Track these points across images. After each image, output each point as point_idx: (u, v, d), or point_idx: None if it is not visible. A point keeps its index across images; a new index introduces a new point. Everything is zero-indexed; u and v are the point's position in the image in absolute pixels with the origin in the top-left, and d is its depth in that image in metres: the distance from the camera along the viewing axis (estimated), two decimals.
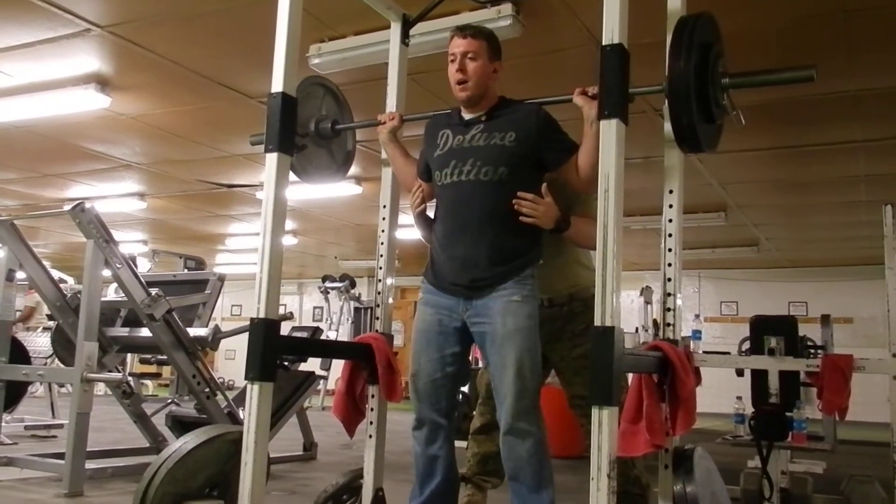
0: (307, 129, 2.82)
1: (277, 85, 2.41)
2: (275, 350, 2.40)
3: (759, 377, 4.32)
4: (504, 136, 2.52)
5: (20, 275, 4.32)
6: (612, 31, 2.00)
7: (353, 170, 7.82)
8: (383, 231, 2.91)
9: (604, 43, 2.01)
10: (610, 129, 1.98)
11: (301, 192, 7.87)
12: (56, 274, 4.75)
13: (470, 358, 2.94)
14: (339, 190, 8.00)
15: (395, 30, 3.03)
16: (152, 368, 11.64)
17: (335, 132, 2.90)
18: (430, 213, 2.80)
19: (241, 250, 12.83)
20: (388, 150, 2.87)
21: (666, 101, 2.34)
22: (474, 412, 3.22)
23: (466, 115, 2.63)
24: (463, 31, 2.58)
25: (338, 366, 2.88)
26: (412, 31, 3.07)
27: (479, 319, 2.50)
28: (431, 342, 2.60)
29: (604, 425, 1.86)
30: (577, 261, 3.04)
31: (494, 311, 2.47)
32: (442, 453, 2.59)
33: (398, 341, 14.31)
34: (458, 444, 2.71)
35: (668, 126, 2.36)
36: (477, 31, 2.59)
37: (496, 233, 2.50)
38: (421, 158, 2.78)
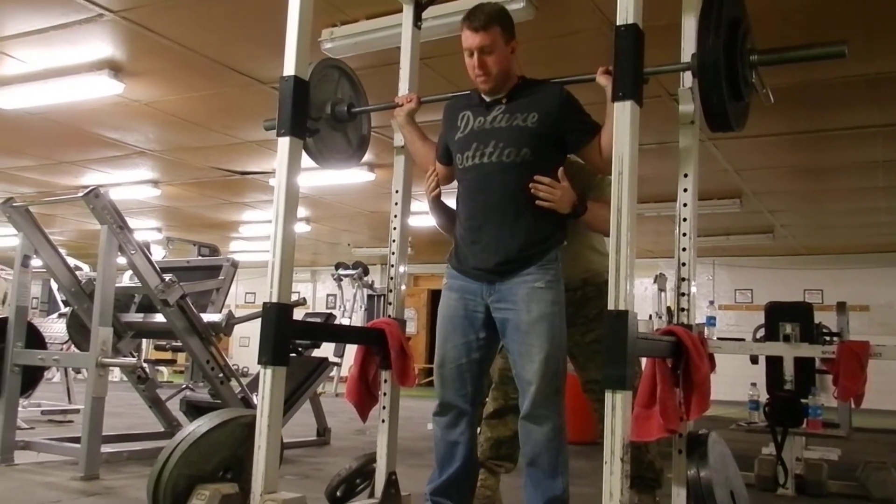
0: (323, 112, 2.81)
1: (289, 68, 2.41)
2: (287, 334, 2.41)
3: (773, 364, 4.30)
4: (526, 116, 2.49)
5: (37, 262, 4.35)
6: (626, 11, 1.98)
7: (367, 156, 7.80)
8: (396, 217, 2.90)
9: (618, 23, 1.99)
10: (624, 111, 1.96)
11: (314, 179, 7.87)
12: (71, 262, 4.77)
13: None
14: (351, 177, 7.99)
15: (408, 13, 3.01)
16: (167, 355, 11.73)
17: (351, 115, 2.89)
18: (445, 200, 2.79)
19: (254, 238, 12.87)
20: (404, 133, 2.85)
21: (683, 83, 2.32)
22: (487, 398, 3.21)
23: (487, 97, 2.60)
24: (473, 22, 2.48)
25: (351, 353, 2.88)
26: (424, 15, 3.05)
27: (503, 305, 2.48)
28: (457, 327, 2.58)
29: (617, 409, 1.86)
30: (591, 246, 3.02)
31: (519, 297, 2.45)
32: (463, 439, 2.57)
33: (411, 328, 14.33)
34: None
35: (683, 108, 2.34)
36: (487, 19, 2.48)
37: (519, 215, 2.48)
38: (440, 142, 2.75)
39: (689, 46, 2.29)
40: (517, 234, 2.47)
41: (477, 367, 2.58)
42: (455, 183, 2.69)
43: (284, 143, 2.42)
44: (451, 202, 2.75)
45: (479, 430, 3.14)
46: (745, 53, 2.20)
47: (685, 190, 2.34)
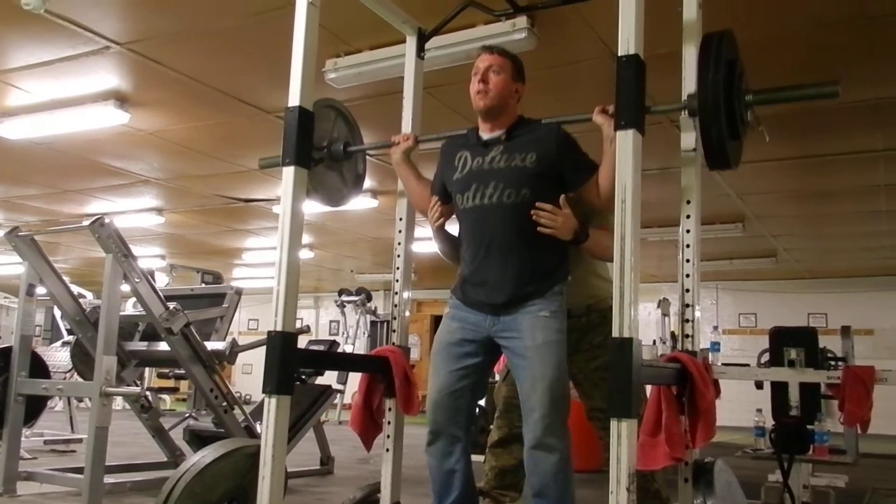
0: (319, 150, 2.81)
1: (294, 99, 2.43)
2: (292, 363, 2.40)
3: (779, 389, 4.28)
4: (525, 156, 2.52)
5: (40, 290, 4.35)
6: (627, 41, 2.00)
7: (369, 183, 7.90)
8: (399, 244, 2.91)
9: (619, 53, 2.01)
10: (626, 140, 1.97)
11: (317, 205, 7.89)
12: (75, 289, 4.78)
13: (494, 370, 2.93)
14: (355, 204, 7.96)
15: (411, 43, 3.04)
16: (170, 383, 11.70)
17: (347, 154, 2.89)
18: (448, 227, 2.80)
19: (257, 264, 12.89)
20: (400, 172, 2.85)
21: (685, 116, 2.34)
22: (491, 426, 3.20)
23: (485, 135, 2.62)
24: (490, 48, 2.62)
25: (354, 380, 2.88)
26: (428, 45, 3.08)
27: (508, 334, 2.49)
28: (452, 354, 2.59)
29: (623, 438, 1.85)
30: (595, 272, 3.03)
31: (523, 325, 2.46)
32: (459, 467, 2.56)
33: (415, 355, 14.29)
34: (476, 458, 2.70)
35: (685, 138, 2.36)
36: (503, 50, 2.64)
37: (522, 254, 2.50)
38: (436, 179, 2.77)
39: (690, 76, 2.32)
40: (521, 272, 2.49)
41: (469, 393, 2.58)
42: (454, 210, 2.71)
43: (289, 172, 2.44)
44: (451, 228, 2.77)
45: (484, 458, 3.13)
46: (741, 93, 2.25)
47: (688, 216, 2.36)
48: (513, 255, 2.50)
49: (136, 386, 4.81)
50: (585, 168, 2.52)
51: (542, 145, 2.53)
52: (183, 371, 4.41)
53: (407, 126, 2.97)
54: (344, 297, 11.71)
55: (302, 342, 2.54)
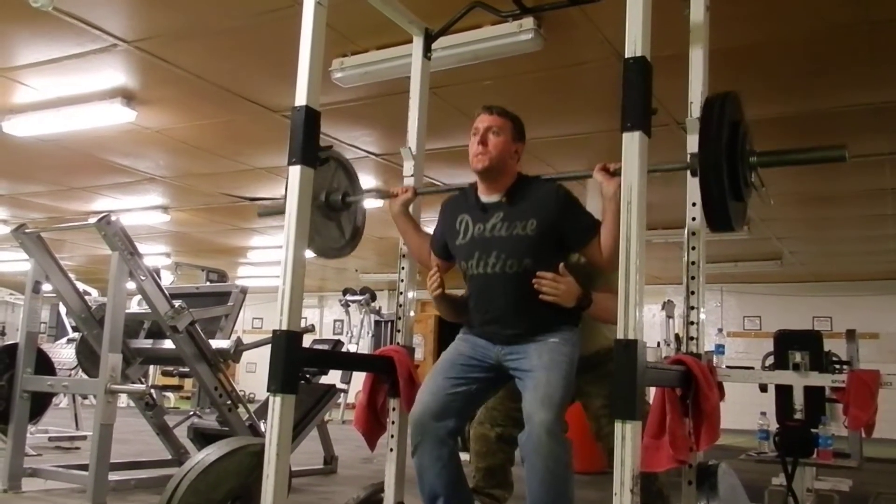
0: (317, 200, 2.79)
1: (301, 99, 2.43)
2: (297, 362, 2.41)
3: (783, 393, 4.27)
4: (525, 224, 2.50)
5: (46, 287, 4.37)
6: (634, 43, 2.00)
7: (375, 183, 7.89)
8: (405, 244, 2.91)
9: (626, 56, 2.01)
10: (633, 142, 1.98)
11: None
12: (81, 286, 4.79)
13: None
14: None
15: (418, 44, 3.05)
16: (174, 381, 11.72)
17: (345, 205, 2.89)
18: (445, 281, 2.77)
19: (262, 263, 12.90)
20: (399, 224, 2.84)
21: (691, 113, 2.35)
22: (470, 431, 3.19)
23: (484, 198, 2.60)
24: (490, 108, 2.60)
25: (358, 379, 2.88)
26: (434, 45, 3.09)
27: (515, 356, 2.50)
28: (455, 364, 2.60)
29: (627, 440, 1.85)
30: (600, 324, 3.01)
31: (531, 348, 2.47)
32: (451, 465, 2.52)
33: (419, 354, 14.29)
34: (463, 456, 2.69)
35: (690, 140, 2.37)
36: (503, 110, 2.61)
37: (530, 318, 2.50)
38: (437, 237, 2.76)
39: (696, 79, 2.32)
40: (530, 330, 2.50)
41: (462, 399, 2.55)
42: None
43: (295, 171, 2.44)
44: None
45: (469, 458, 3.14)
46: (745, 154, 2.22)
47: (693, 218, 2.36)
48: (519, 321, 2.51)
49: (141, 383, 4.81)
50: (587, 229, 2.49)
51: (542, 210, 2.50)
52: (187, 369, 4.42)
53: (413, 125, 2.99)
54: (348, 297, 11.71)
55: (306, 341, 2.55)
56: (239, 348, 4.34)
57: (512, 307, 2.51)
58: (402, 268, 2.92)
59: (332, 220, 2.91)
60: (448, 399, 2.53)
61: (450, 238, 2.67)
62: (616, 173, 2.30)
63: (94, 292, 7.34)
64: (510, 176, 2.59)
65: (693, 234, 2.41)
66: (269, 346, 2.37)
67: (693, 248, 2.44)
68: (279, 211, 2.57)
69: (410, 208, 2.86)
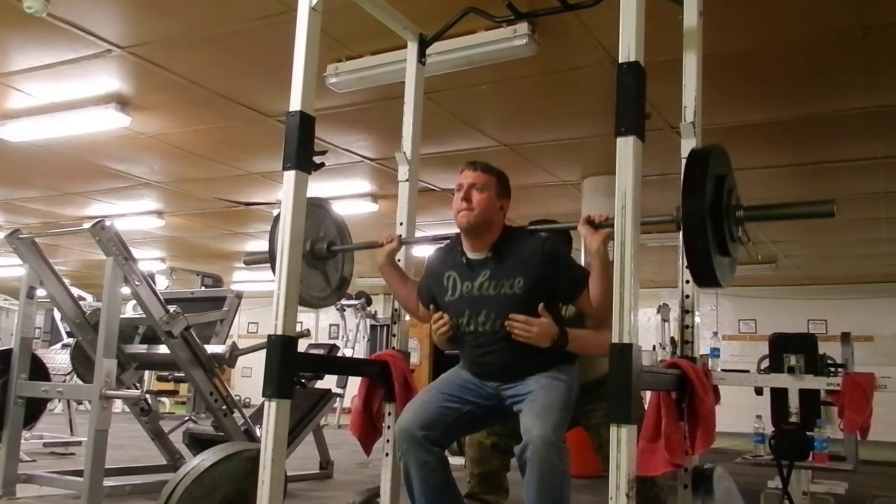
0: (302, 249, 2.77)
1: (296, 104, 2.43)
2: (292, 367, 2.40)
3: (778, 396, 4.28)
4: (513, 282, 2.48)
5: (40, 292, 4.36)
6: (628, 48, 2.01)
7: (370, 187, 7.93)
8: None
9: (620, 61, 2.01)
10: (627, 146, 1.98)
11: None
12: (75, 292, 4.78)
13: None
14: (355, 208, 8.05)
15: (412, 49, 3.05)
16: (169, 386, 11.69)
17: (331, 254, 2.88)
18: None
19: (258, 269, 12.86)
20: (385, 274, 2.81)
21: (685, 117, 2.35)
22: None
23: (470, 254, 2.58)
24: (474, 164, 2.57)
25: (354, 384, 2.88)
26: (429, 51, 3.09)
27: (513, 387, 2.50)
28: (453, 383, 2.60)
29: (622, 444, 1.85)
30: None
31: (529, 380, 2.47)
32: (439, 468, 2.51)
33: (415, 359, 14.28)
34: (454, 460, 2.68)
35: (685, 144, 2.38)
36: (488, 166, 2.58)
37: (524, 369, 2.49)
38: (424, 289, 2.73)
39: (689, 84, 2.32)
40: (525, 374, 2.49)
41: (453, 417, 2.54)
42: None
43: (290, 176, 2.44)
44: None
45: (464, 464, 3.14)
46: (731, 209, 2.17)
47: None
48: (513, 372, 2.50)
49: (136, 389, 4.80)
50: (576, 285, 2.47)
51: (529, 267, 2.48)
52: (183, 374, 4.41)
53: (408, 130, 2.99)
54: (344, 301, 11.68)
55: (302, 346, 2.54)
56: (234, 353, 4.33)
57: (505, 363, 2.51)
58: None
59: (317, 269, 2.89)
60: (438, 412, 2.52)
61: (438, 293, 2.64)
62: (602, 226, 2.30)
63: (89, 297, 7.33)
64: (495, 231, 2.56)
65: None
66: (265, 350, 2.36)
67: None
68: (264, 260, 2.56)
69: (398, 258, 2.83)
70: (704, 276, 2.13)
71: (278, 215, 2.50)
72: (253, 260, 2.96)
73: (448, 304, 2.60)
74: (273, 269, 2.48)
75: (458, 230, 2.61)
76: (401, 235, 2.81)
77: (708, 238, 2.05)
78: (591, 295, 2.41)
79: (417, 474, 2.48)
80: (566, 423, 2.43)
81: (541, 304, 2.44)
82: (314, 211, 2.85)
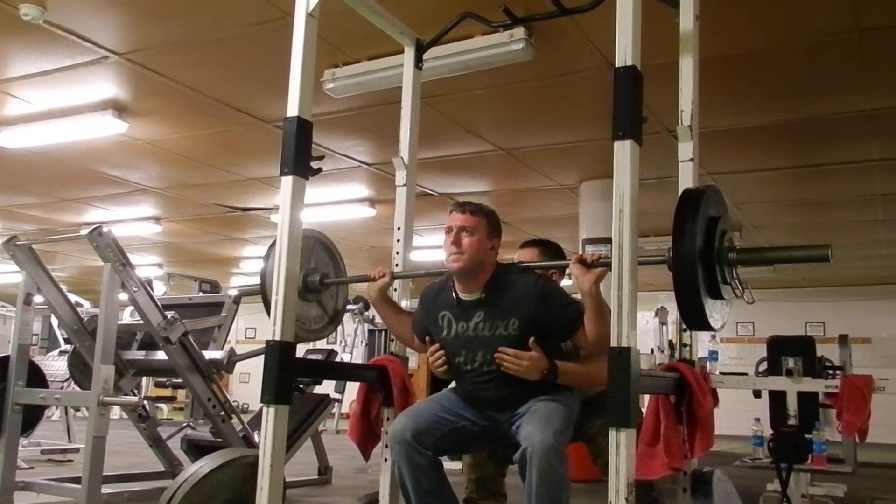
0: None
1: (293, 109, 2.43)
2: (290, 372, 2.40)
3: (777, 399, 4.28)
4: (507, 323, 2.48)
5: (38, 298, 4.35)
6: (624, 53, 2.01)
7: (367, 192, 7.92)
8: (398, 253, 2.92)
9: (617, 65, 2.02)
10: (624, 150, 1.98)
11: (314, 214, 7.92)
12: (72, 298, 4.76)
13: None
14: (352, 213, 8.05)
15: (409, 54, 3.06)
16: (167, 392, 11.67)
17: (324, 286, 2.87)
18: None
19: (255, 273, 12.83)
20: (378, 309, 2.81)
21: (682, 121, 2.35)
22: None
23: (463, 295, 2.56)
24: (463, 207, 2.55)
25: (352, 389, 2.88)
26: (426, 56, 3.10)
27: (511, 410, 2.50)
28: (452, 398, 2.61)
29: (621, 448, 1.85)
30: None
31: (528, 402, 2.47)
32: (434, 468, 2.50)
33: (413, 364, 14.26)
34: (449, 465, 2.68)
35: (682, 148, 2.38)
36: (477, 208, 2.56)
37: (521, 398, 2.49)
38: (418, 324, 2.72)
39: (686, 87, 2.33)
40: (523, 403, 2.49)
41: (448, 428, 2.53)
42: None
43: (288, 181, 2.44)
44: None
45: (461, 469, 3.13)
46: (723, 253, 2.13)
47: None
48: (512, 403, 2.50)
49: (134, 395, 4.79)
50: (571, 324, 2.46)
51: (523, 308, 2.47)
52: (181, 380, 4.39)
53: (405, 135, 2.99)
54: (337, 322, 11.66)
55: (300, 351, 2.54)
56: (232, 359, 4.32)
57: (502, 397, 2.51)
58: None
59: (311, 302, 2.87)
60: (432, 420, 2.52)
61: (432, 330, 2.63)
62: (593, 265, 2.29)
63: (86, 304, 7.32)
64: (488, 271, 2.54)
65: None
66: (263, 356, 2.36)
67: None
68: (256, 293, 2.55)
69: (392, 292, 2.82)
70: (695, 321, 2.11)
71: (272, 244, 2.48)
72: (246, 292, 2.94)
73: (443, 341, 2.59)
74: (266, 305, 2.47)
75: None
76: (391, 272, 2.78)
77: (698, 283, 2.02)
78: (589, 331, 2.39)
79: (410, 476, 2.47)
80: (568, 432, 2.44)
81: (532, 339, 2.43)
82: (305, 242, 2.83)
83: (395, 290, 2.87)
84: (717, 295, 2.10)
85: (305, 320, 2.83)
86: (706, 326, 2.09)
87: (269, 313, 2.42)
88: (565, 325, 2.47)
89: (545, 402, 2.42)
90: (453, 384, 2.71)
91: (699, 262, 2.02)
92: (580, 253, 2.37)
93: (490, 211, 2.59)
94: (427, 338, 2.63)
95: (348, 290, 3.11)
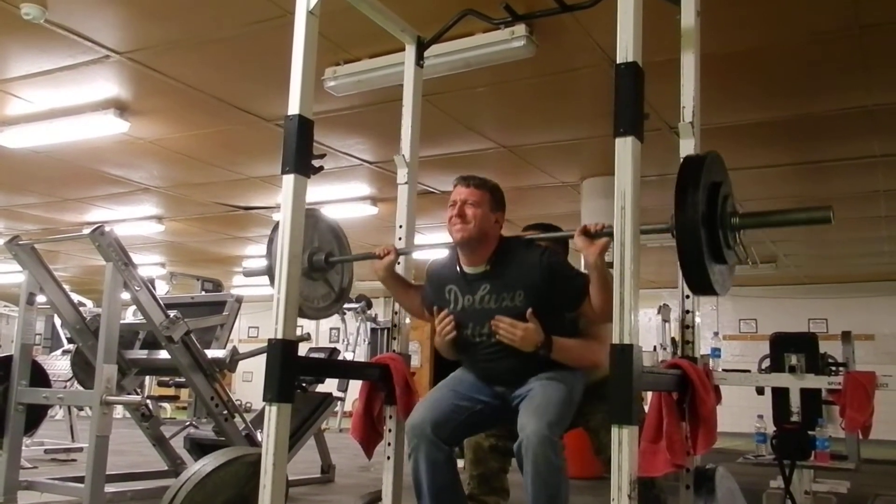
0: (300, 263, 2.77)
1: (294, 108, 2.43)
2: (293, 371, 2.40)
3: (780, 395, 4.28)
4: (513, 295, 2.50)
5: (41, 298, 4.35)
6: (626, 49, 2.01)
7: (369, 190, 7.92)
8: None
9: (618, 61, 2.01)
10: (625, 147, 1.98)
11: None
12: (75, 297, 4.77)
13: None
14: (354, 211, 8.05)
15: (410, 52, 3.06)
16: (170, 391, 11.69)
17: (329, 265, 2.88)
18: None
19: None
20: (387, 285, 2.81)
21: (683, 117, 2.35)
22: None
23: (467, 268, 2.58)
24: (467, 180, 2.57)
25: (355, 387, 2.88)
26: (427, 53, 3.09)
27: (518, 387, 2.52)
28: (464, 382, 2.63)
29: (624, 445, 1.84)
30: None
31: (533, 380, 2.49)
32: (448, 467, 2.53)
33: (415, 362, 14.27)
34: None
35: (683, 144, 2.37)
36: (481, 182, 2.58)
37: (528, 370, 2.51)
38: (425, 297, 2.75)
39: (687, 84, 2.32)
40: (530, 376, 2.51)
41: (465, 415, 2.56)
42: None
43: (289, 180, 2.44)
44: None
45: (463, 466, 3.13)
46: (726, 217, 2.14)
47: None
48: (520, 372, 2.53)
49: (137, 394, 4.79)
50: (577, 296, 2.47)
51: (528, 280, 2.49)
52: (183, 379, 4.40)
53: (407, 133, 2.99)
54: (344, 305, 11.69)
55: (302, 350, 2.54)
56: (235, 358, 4.32)
57: (510, 368, 2.53)
58: None
59: (317, 281, 2.89)
60: (450, 409, 2.55)
61: (440, 304, 2.66)
62: (598, 235, 2.28)
63: (89, 303, 7.32)
64: (492, 244, 2.56)
65: None
66: (265, 355, 2.36)
67: None
68: (263, 272, 2.55)
69: (398, 268, 2.83)
70: (699, 285, 2.12)
71: (277, 224, 2.49)
72: (251, 272, 2.95)
73: (451, 314, 2.61)
74: (272, 281, 2.48)
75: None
76: (395, 247, 2.79)
77: (702, 247, 2.03)
78: (594, 301, 2.40)
79: (427, 472, 2.49)
80: (565, 421, 2.45)
81: (529, 310, 2.45)
82: (308, 221, 2.84)
83: (399, 263, 2.85)
84: (720, 259, 2.12)
85: (313, 298, 2.86)
86: (710, 291, 2.11)
87: (272, 283, 2.42)
88: (572, 296, 2.48)
89: (545, 385, 2.44)
90: (460, 369, 2.71)
91: (702, 226, 2.04)
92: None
93: (494, 185, 2.61)
94: (435, 307, 2.65)
95: (353, 273, 3.11)
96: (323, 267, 2.86)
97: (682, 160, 2.21)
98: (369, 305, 11.73)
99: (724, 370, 4.86)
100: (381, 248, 2.75)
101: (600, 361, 2.44)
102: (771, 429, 4.25)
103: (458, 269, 2.60)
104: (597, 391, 2.83)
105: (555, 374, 2.48)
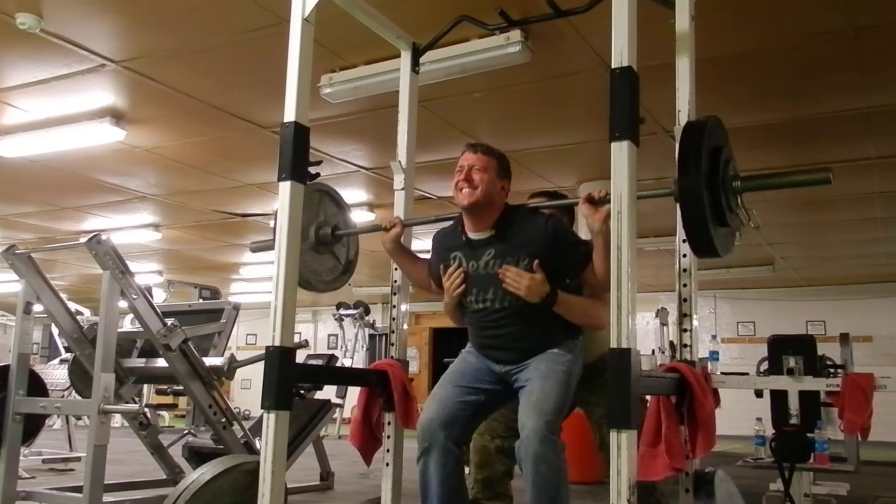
0: (306, 237, 2.78)
1: (290, 115, 2.43)
2: (291, 378, 2.40)
3: (778, 398, 4.28)
4: (517, 260, 2.50)
5: (37, 307, 4.34)
6: (621, 54, 2.01)
7: (365, 197, 7.91)
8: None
9: (613, 66, 2.01)
10: (621, 151, 1.98)
11: None
12: (72, 306, 4.76)
13: None
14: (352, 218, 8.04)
15: (406, 58, 3.06)
16: (168, 399, 11.65)
17: (335, 238, 2.89)
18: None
19: (255, 279, 12.86)
20: (394, 257, 2.84)
21: (679, 121, 2.35)
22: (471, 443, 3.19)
23: (472, 234, 2.60)
24: (475, 147, 2.60)
25: (353, 394, 2.87)
26: (422, 59, 3.10)
27: (518, 369, 2.53)
28: (465, 373, 2.62)
29: (623, 449, 1.84)
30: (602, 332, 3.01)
31: (532, 361, 2.51)
32: (454, 479, 2.52)
33: (413, 368, 14.27)
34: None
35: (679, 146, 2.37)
36: (489, 149, 2.61)
37: (530, 344, 2.52)
38: (431, 267, 2.75)
39: (683, 88, 2.33)
40: (530, 351, 2.52)
41: (471, 408, 2.57)
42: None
43: (286, 187, 2.44)
44: None
45: (467, 470, 3.13)
46: (727, 181, 2.17)
47: None
48: (519, 347, 2.54)
49: (135, 403, 4.78)
50: (580, 262, 2.49)
51: (532, 246, 2.50)
52: (181, 387, 4.39)
53: (403, 139, 2.99)
54: (342, 311, 11.68)
55: (300, 357, 2.54)
56: (233, 365, 4.31)
57: (511, 338, 2.54)
58: (395, 281, 2.92)
59: (324, 254, 2.91)
60: (457, 408, 2.55)
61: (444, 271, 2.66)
62: (602, 202, 2.29)
63: (86, 312, 7.31)
64: (497, 210, 2.58)
65: (684, 241, 2.41)
66: (263, 362, 2.35)
67: (685, 256, 2.45)
68: (270, 247, 2.56)
69: (402, 239, 2.83)
70: (702, 246, 2.15)
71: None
72: (259, 247, 2.95)
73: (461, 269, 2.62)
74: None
75: (458, 212, 2.64)
76: (401, 218, 2.82)
77: (705, 209, 2.07)
78: (597, 269, 2.41)
79: (436, 475, 2.49)
80: (563, 413, 2.45)
81: (536, 261, 2.46)
82: (312, 196, 2.84)
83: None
84: (723, 222, 2.15)
85: (320, 272, 2.87)
86: (714, 252, 2.14)
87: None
88: (575, 263, 2.50)
89: (543, 376, 2.43)
90: (463, 352, 2.71)
91: (705, 189, 2.06)
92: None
93: (501, 153, 2.64)
94: (441, 266, 2.65)
95: (358, 245, 3.13)
96: (329, 240, 2.88)
97: (683, 125, 2.23)
98: (367, 311, 11.73)
99: (722, 373, 4.86)
100: (387, 220, 2.78)
101: (602, 320, 2.46)
102: (770, 431, 4.25)
103: (462, 235, 2.62)
104: (596, 379, 2.83)
105: (554, 356, 2.48)
